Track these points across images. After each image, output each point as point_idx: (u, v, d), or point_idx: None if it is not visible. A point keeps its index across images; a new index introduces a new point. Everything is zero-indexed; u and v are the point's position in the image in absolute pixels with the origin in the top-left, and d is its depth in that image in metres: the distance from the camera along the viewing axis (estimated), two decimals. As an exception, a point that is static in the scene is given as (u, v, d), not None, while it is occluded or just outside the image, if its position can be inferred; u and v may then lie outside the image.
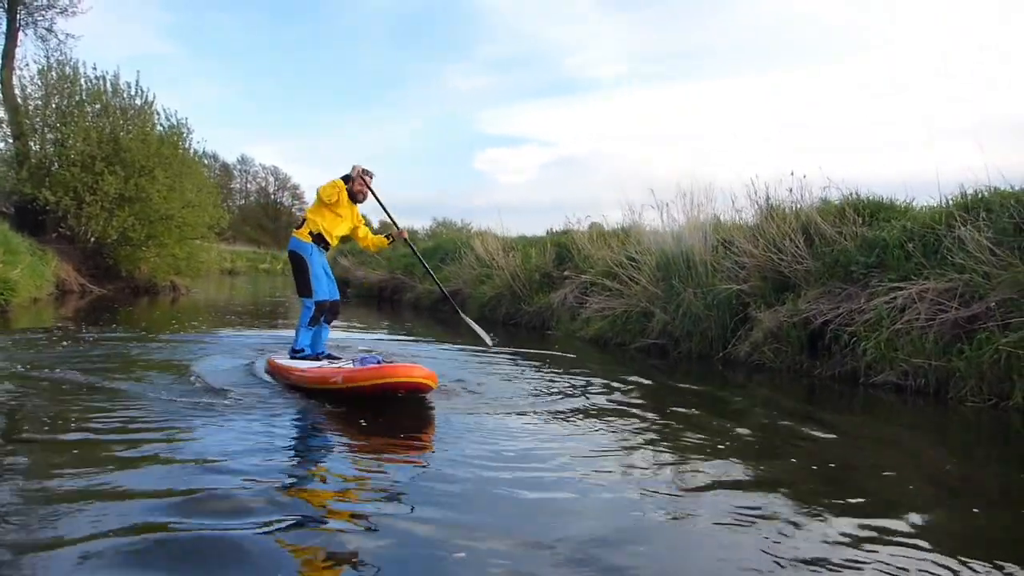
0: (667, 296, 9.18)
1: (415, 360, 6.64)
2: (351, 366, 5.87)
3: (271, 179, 75.55)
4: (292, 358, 6.75)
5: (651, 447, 4.55)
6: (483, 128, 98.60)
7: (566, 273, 12.66)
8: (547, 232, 16.92)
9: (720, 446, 4.58)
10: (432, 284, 17.04)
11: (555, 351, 9.33)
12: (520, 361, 8.40)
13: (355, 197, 6.98)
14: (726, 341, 8.55)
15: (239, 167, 71.76)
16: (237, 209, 49.66)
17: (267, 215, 72.90)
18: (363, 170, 6.88)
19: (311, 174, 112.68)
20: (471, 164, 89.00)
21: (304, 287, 6.93)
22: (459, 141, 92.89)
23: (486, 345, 7.45)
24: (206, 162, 22.06)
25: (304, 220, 6.96)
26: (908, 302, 6.63)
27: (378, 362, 5.77)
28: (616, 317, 9.84)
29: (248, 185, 74.66)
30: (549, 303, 12.22)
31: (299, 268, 6.90)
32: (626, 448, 4.49)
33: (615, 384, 6.77)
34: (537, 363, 8.27)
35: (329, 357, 7.00)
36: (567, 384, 6.78)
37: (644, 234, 10.76)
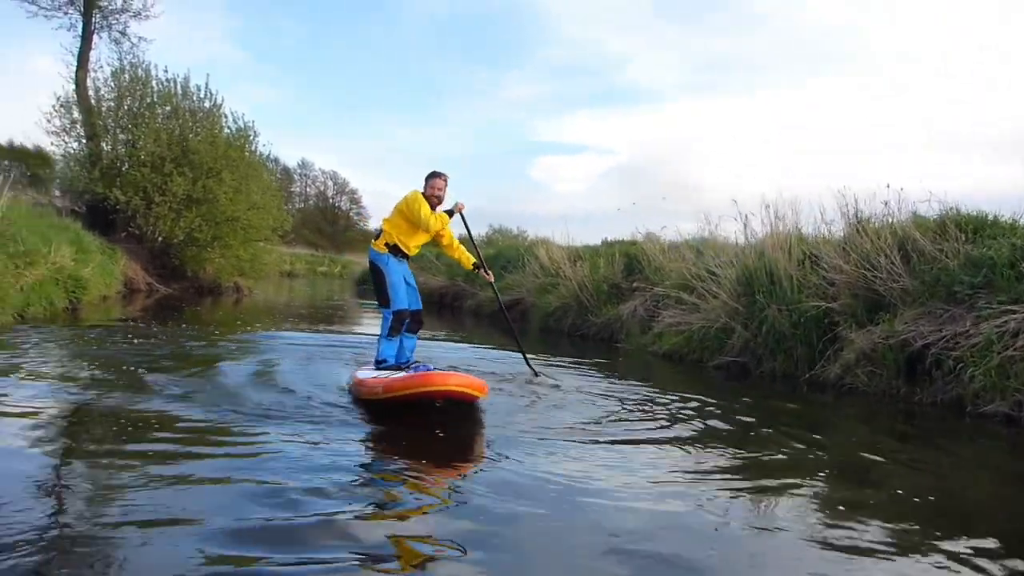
0: (749, 312, 8.79)
1: (472, 371, 6.40)
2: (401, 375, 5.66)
3: (330, 183, 76.40)
4: (377, 369, 6.54)
5: (735, 471, 4.29)
6: (539, 136, 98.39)
7: (636, 285, 12.31)
8: (602, 242, 16.58)
9: (811, 471, 4.30)
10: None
11: (626, 365, 9.04)
12: (592, 374, 8.11)
13: (431, 202, 6.80)
14: (813, 362, 8.15)
15: (299, 171, 72.66)
16: (297, 212, 50.05)
17: (325, 219, 73.70)
18: (433, 172, 6.76)
19: (368, 179, 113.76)
20: (527, 172, 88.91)
21: (382, 297, 6.81)
22: (515, 148, 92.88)
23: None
24: (269, 165, 22.06)
25: (381, 231, 6.81)
26: (1021, 326, 6.19)
27: (428, 370, 5.60)
28: (693, 332, 9.47)
29: (307, 189, 75.55)
30: (618, 315, 11.89)
31: (377, 278, 6.81)
32: (707, 471, 4.24)
33: (693, 402, 6.48)
34: (610, 377, 7.98)
35: (414, 366, 6.84)
36: (643, 401, 6.52)
37: (721, 246, 10.38)
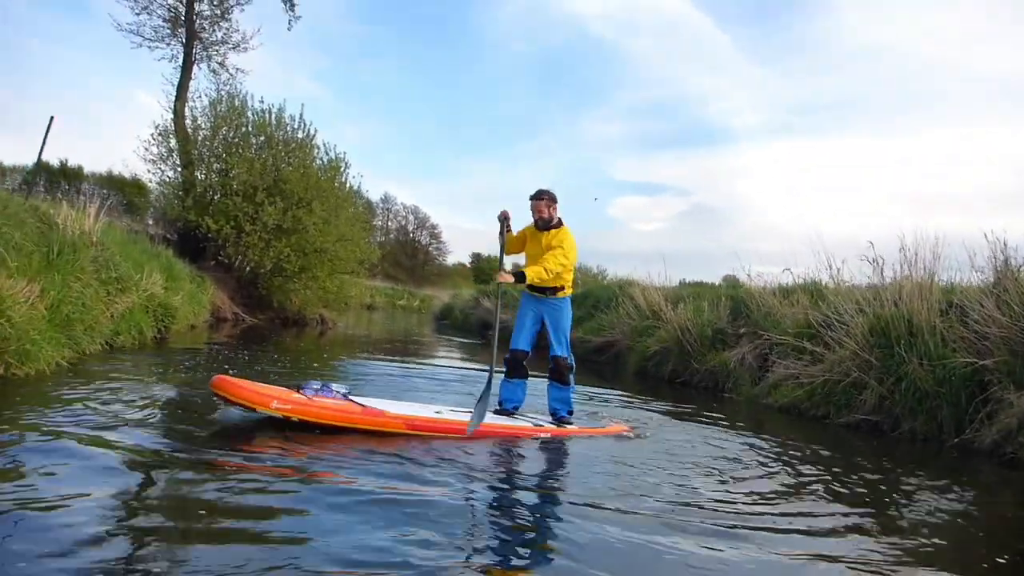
0: (884, 366, 7.93)
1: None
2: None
3: (411, 218, 77.17)
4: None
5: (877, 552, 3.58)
6: (618, 175, 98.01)
7: (743, 330, 11.51)
8: (680, 283, 15.76)
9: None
10: (584, 333, 16.22)
11: (740, 419, 8.26)
12: (711, 429, 7.35)
13: (536, 224, 6.51)
14: (960, 424, 7.24)
15: (381, 205, 73.54)
16: (378, 246, 50.53)
17: (405, 253, 74.31)
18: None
19: (448, 215, 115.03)
20: (605, 210, 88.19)
21: None
22: (594, 187, 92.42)
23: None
24: (357, 199, 21.94)
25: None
26: None
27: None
28: (816, 386, 8.62)
29: (388, 223, 76.34)
30: (725, 363, 11.07)
31: None
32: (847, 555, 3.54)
33: (820, 464, 5.85)
34: (721, 431, 7.26)
35: (508, 413, 6.39)
36: (762, 459, 5.78)
37: (844, 292, 9.53)
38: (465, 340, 20.94)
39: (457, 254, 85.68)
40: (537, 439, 6.01)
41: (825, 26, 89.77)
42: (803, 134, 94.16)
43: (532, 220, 6.53)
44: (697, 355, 11.71)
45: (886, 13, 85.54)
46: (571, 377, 6.53)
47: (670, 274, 16.62)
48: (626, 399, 9.27)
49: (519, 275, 6.16)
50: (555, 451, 5.73)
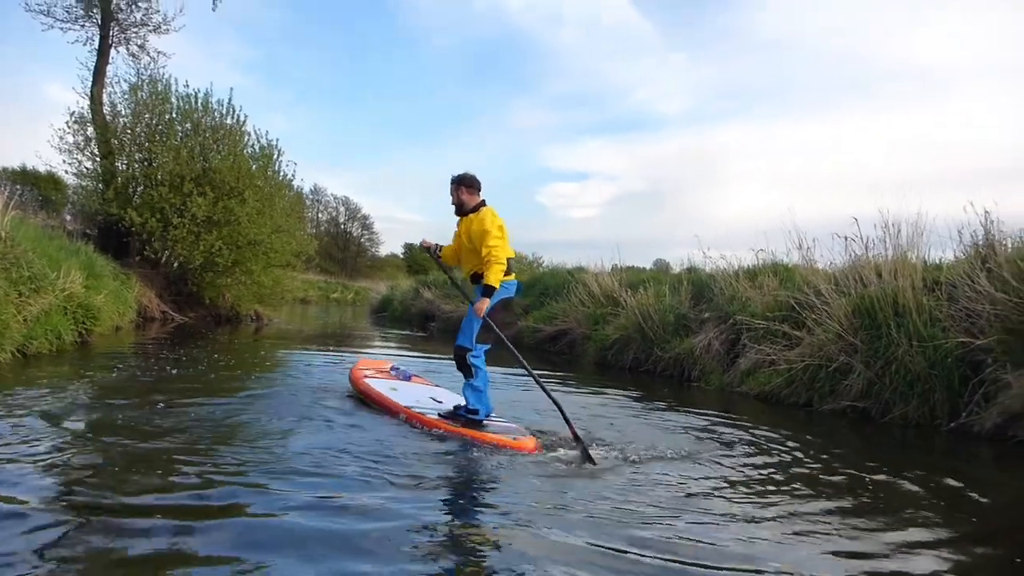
0: (870, 348, 7.53)
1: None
2: None
3: (342, 209, 75.57)
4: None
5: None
6: (547, 163, 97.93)
7: (707, 315, 11.06)
8: (612, 268, 15.27)
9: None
10: (535, 322, 15.65)
11: (713, 408, 7.78)
12: (693, 423, 6.84)
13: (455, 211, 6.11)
14: (955, 408, 6.88)
15: (311, 196, 71.76)
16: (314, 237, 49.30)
17: (337, 245, 72.81)
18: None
19: (379, 205, 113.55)
20: (535, 198, 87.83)
21: None
22: (524, 175, 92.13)
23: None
24: (292, 188, 20.90)
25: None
26: None
27: None
28: (797, 371, 8.18)
29: (319, 215, 74.61)
30: (690, 349, 10.60)
31: None
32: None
33: (812, 455, 5.52)
34: (703, 423, 6.80)
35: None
36: (754, 454, 5.27)
37: (813, 273, 9.14)
38: (405, 332, 20.14)
39: (390, 245, 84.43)
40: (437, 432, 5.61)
41: (747, 14, 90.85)
42: (726, 119, 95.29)
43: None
44: (660, 342, 11.22)
45: (803, 3, 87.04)
46: (473, 370, 5.76)
47: (601, 259, 15.97)
48: (591, 391, 8.70)
49: (487, 289, 5.64)
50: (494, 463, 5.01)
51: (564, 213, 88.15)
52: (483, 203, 5.90)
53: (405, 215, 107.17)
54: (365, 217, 76.50)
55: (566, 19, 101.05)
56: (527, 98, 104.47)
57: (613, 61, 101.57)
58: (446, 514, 3.68)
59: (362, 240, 77.51)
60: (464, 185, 5.91)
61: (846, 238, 9.12)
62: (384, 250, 79.25)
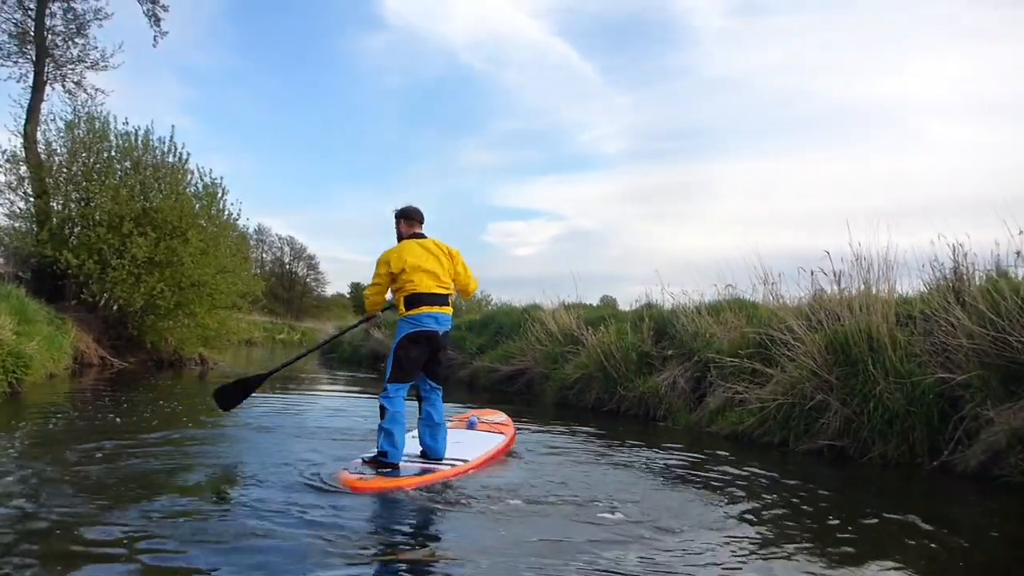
0: (846, 385, 7.32)
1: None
2: None
3: (287, 249, 74.35)
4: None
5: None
6: (494, 201, 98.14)
7: (670, 352, 10.82)
8: (561, 304, 15.02)
9: None
10: (491, 361, 15.26)
11: (683, 450, 7.50)
12: (654, 458, 6.53)
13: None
14: (935, 446, 6.68)
15: (256, 236, 70.57)
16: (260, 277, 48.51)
17: (282, 285, 71.46)
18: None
19: (325, 245, 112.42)
20: (482, 236, 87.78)
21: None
22: (471, 213, 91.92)
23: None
24: (237, 228, 20.30)
25: (450, 295, 5.80)
26: None
27: None
28: (770, 410, 7.94)
29: (264, 255, 73.37)
30: (655, 388, 10.33)
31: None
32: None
33: (795, 500, 5.16)
34: (678, 464, 6.51)
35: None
36: (736, 497, 4.97)
37: (791, 308, 8.97)
38: (356, 374, 19.54)
39: (336, 284, 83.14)
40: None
41: (687, 57, 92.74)
42: (665, 158, 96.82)
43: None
44: (623, 381, 10.93)
45: (741, 47, 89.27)
46: (382, 411, 5.52)
47: (549, 297, 15.85)
48: (556, 432, 8.35)
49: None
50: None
51: (512, 252, 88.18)
52: (414, 235, 5.86)
53: (350, 256, 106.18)
54: (311, 257, 75.47)
55: (511, 60, 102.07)
56: (474, 137, 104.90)
57: (558, 101, 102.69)
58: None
59: (308, 280, 76.37)
60: (401, 218, 5.97)
61: (812, 272, 9.01)
62: (331, 290, 78.17)
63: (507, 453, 6.68)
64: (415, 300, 5.57)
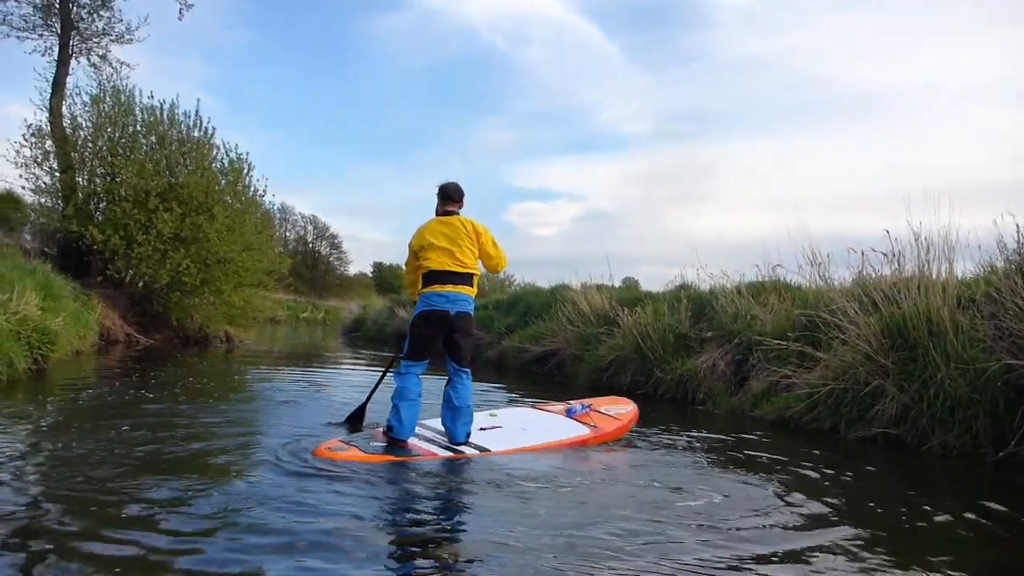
0: (903, 370, 6.96)
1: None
2: None
3: (310, 228, 74.45)
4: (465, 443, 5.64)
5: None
6: (514, 181, 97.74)
7: (709, 334, 10.48)
8: (582, 286, 14.74)
9: None
10: (520, 342, 14.99)
11: (731, 433, 7.18)
12: (694, 446, 6.22)
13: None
14: (1000, 436, 6.32)
15: (279, 215, 70.61)
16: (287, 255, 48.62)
17: (306, 264, 71.59)
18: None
19: (346, 224, 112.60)
20: (503, 216, 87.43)
21: (471, 355, 5.81)
22: (491, 194, 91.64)
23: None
24: (264, 205, 20.06)
25: (472, 274, 5.69)
26: None
27: None
28: (820, 395, 7.60)
29: (287, 233, 73.46)
30: (693, 371, 10.00)
31: (472, 332, 5.84)
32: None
33: (853, 488, 4.86)
34: (716, 448, 6.27)
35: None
36: (789, 484, 4.65)
37: (839, 290, 8.60)
38: (381, 352, 19.30)
39: (359, 264, 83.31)
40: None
41: (709, 37, 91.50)
42: (686, 139, 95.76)
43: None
44: (660, 363, 10.60)
45: (765, 27, 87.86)
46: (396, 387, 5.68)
47: (569, 278, 15.71)
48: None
49: None
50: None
51: (532, 232, 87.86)
52: (445, 213, 5.82)
53: (371, 234, 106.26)
54: (334, 236, 75.54)
55: (533, 39, 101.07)
56: (494, 117, 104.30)
57: (580, 81, 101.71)
58: None
59: (331, 259, 76.45)
60: (438, 195, 5.90)
61: (862, 252, 8.64)
62: (353, 269, 78.26)
63: (588, 443, 6.28)
64: (427, 278, 5.59)
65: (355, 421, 6.44)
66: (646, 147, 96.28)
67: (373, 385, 6.76)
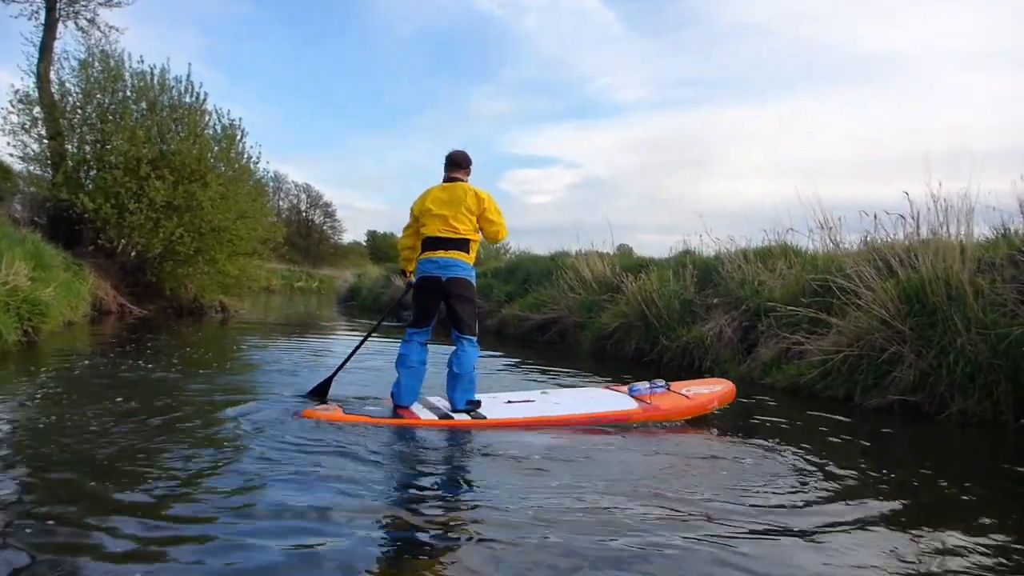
0: (920, 336, 6.77)
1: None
2: None
3: (303, 196, 73.96)
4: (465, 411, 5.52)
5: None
6: (510, 149, 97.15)
7: (715, 300, 10.28)
8: (578, 252, 14.55)
9: None
10: (521, 310, 14.78)
11: (744, 400, 7.00)
12: (710, 417, 6.06)
13: None
14: (1022, 402, 6.14)
15: (273, 184, 70.00)
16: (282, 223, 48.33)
17: (299, 233, 71.22)
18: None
19: (340, 193, 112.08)
20: (498, 184, 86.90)
21: (473, 322, 5.64)
22: (486, 161, 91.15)
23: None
24: (258, 173, 19.71)
25: (468, 240, 5.60)
26: None
27: None
28: (833, 362, 7.41)
29: (280, 203, 72.93)
30: (700, 338, 9.81)
31: (472, 299, 5.64)
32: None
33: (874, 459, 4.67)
34: (729, 416, 6.18)
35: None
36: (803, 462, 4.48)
37: (853, 254, 8.39)
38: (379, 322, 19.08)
39: (353, 232, 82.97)
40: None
41: (707, 3, 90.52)
42: (681, 105, 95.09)
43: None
44: (666, 330, 10.41)
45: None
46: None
47: (566, 245, 15.60)
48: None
49: None
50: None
51: (527, 200, 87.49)
52: (449, 180, 5.78)
53: (365, 203, 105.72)
54: (327, 205, 75.11)
55: (530, 6, 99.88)
56: (490, 85, 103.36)
57: (575, 47, 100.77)
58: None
59: (325, 227, 76.07)
60: (445, 161, 5.85)
61: (875, 216, 8.42)
62: (347, 238, 77.96)
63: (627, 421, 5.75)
64: (423, 244, 5.62)
65: (319, 394, 6.03)
66: (643, 114, 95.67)
67: (345, 357, 6.36)
